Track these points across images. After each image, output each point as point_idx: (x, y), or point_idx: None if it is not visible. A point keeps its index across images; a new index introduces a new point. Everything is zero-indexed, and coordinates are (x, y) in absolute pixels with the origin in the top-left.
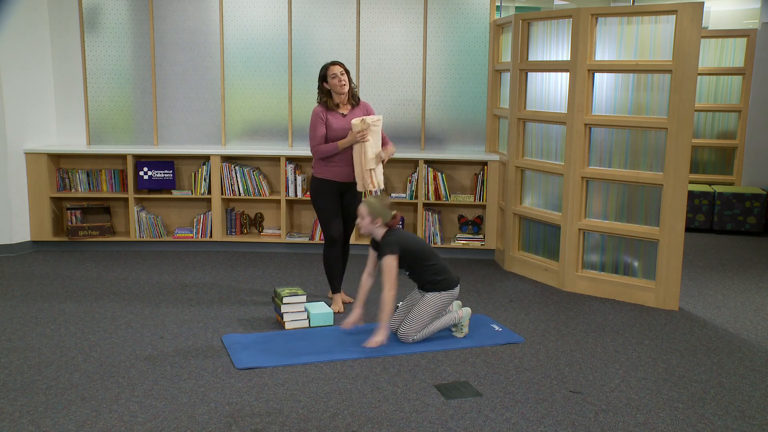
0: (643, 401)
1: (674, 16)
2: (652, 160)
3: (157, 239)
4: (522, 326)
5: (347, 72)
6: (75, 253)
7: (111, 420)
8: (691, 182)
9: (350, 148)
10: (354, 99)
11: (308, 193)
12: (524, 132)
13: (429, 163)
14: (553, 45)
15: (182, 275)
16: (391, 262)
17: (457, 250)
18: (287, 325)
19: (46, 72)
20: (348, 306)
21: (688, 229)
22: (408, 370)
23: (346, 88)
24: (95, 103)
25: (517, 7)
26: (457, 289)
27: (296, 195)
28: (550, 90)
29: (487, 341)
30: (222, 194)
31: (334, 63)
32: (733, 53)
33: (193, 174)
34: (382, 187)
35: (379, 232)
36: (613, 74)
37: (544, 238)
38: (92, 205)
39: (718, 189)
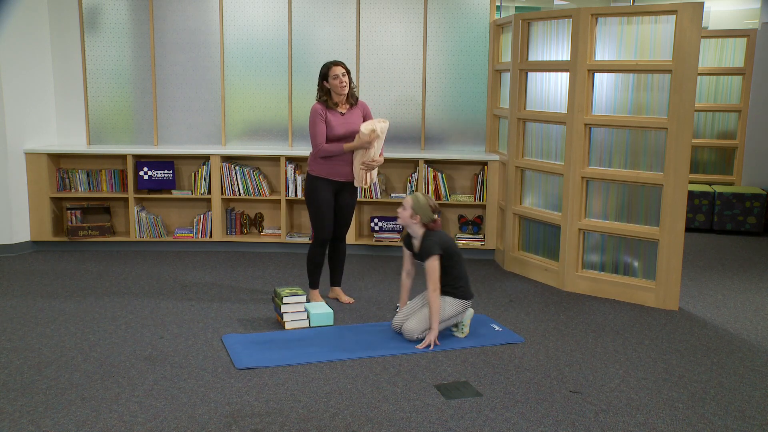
0: (643, 401)
1: (674, 16)
2: (652, 160)
3: (157, 239)
4: (522, 326)
5: (348, 73)
6: (75, 253)
7: (111, 420)
8: (691, 182)
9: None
10: (352, 98)
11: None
12: (524, 132)
13: (429, 163)
14: (553, 45)
15: (182, 275)
16: (434, 263)
17: None
18: (287, 325)
19: (46, 72)
20: (349, 306)
21: (688, 229)
22: (408, 370)
23: (347, 90)
24: (95, 103)
25: (517, 7)
26: (469, 303)
27: (296, 195)
28: (550, 90)
29: (487, 341)
30: (222, 194)
31: (336, 63)
32: (733, 53)
33: (193, 174)
34: (375, 181)
35: (416, 229)
36: (613, 74)
37: (544, 238)
38: (92, 205)
39: (718, 189)
